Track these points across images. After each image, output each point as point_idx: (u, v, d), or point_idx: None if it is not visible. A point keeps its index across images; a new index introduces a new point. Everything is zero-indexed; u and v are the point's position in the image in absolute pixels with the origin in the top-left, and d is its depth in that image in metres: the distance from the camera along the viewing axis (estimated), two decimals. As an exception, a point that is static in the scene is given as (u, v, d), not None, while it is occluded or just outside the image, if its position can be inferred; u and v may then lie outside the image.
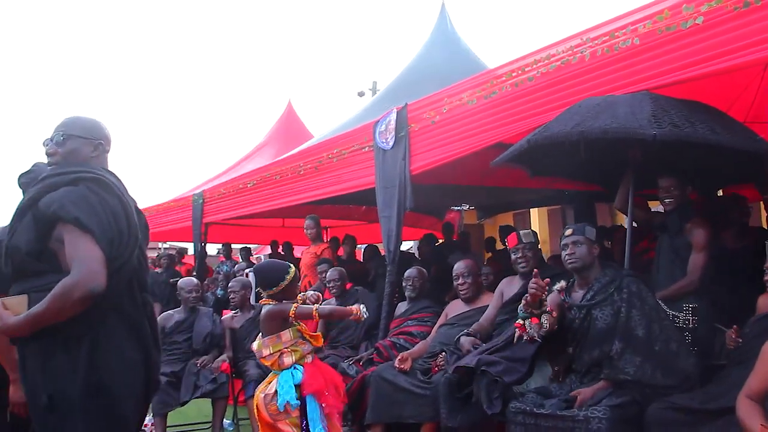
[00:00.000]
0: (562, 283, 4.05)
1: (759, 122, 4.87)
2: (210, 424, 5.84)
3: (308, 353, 3.99)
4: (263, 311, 3.99)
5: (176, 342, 5.94)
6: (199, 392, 5.61)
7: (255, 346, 4.03)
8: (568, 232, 3.98)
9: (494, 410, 3.77)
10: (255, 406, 4.03)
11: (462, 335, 4.67)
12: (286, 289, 4.02)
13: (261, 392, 3.98)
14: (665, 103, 3.81)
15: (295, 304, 3.91)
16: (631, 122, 3.66)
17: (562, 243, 3.99)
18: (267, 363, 4.00)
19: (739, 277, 4.73)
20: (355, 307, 4.03)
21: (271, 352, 3.92)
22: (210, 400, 5.75)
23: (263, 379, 4.15)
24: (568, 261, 3.92)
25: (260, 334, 4.06)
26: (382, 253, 6.99)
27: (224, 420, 5.87)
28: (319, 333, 4.22)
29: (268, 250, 12.00)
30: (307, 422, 3.81)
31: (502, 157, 4.38)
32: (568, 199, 9.16)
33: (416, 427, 4.83)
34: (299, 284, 4.29)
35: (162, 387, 5.51)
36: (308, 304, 4.03)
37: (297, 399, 3.81)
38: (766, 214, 5.62)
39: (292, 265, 4.14)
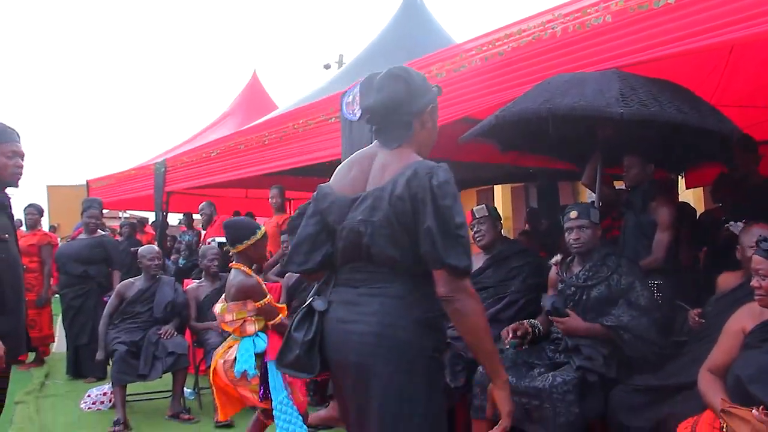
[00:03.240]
0: (558, 257, 4.12)
1: (723, 105, 4.94)
2: (170, 393, 5.80)
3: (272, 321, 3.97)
4: (235, 279, 3.93)
5: (137, 311, 5.86)
6: (161, 368, 5.57)
7: (218, 309, 3.99)
8: (573, 215, 4.00)
9: (457, 383, 3.80)
10: (212, 370, 4.01)
11: None
12: (255, 249, 4.01)
13: (220, 357, 3.95)
14: (634, 81, 3.82)
15: (267, 299, 3.91)
16: (599, 100, 3.67)
17: (566, 226, 4.02)
18: (228, 329, 3.96)
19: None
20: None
21: (234, 318, 3.89)
22: (171, 370, 5.70)
23: (225, 347, 4.11)
24: (574, 246, 3.97)
25: (224, 296, 4.01)
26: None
27: (185, 389, 5.84)
28: (283, 305, 4.19)
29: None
30: (266, 389, 3.78)
31: (471, 132, 4.38)
32: (533, 177, 9.21)
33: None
34: (266, 250, 4.25)
35: (122, 356, 5.47)
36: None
37: (256, 368, 3.79)
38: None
39: (263, 228, 4.11)
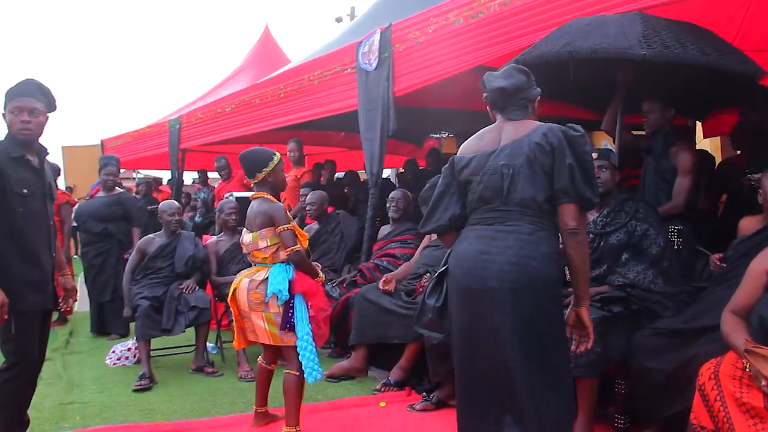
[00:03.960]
0: None
1: (744, 50, 4.85)
2: (193, 348, 5.87)
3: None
4: (260, 206, 3.91)
5: (159, 267, 5.89)
6: (184, 323, 5.61)
7: (249, 238, 3.93)
8: (593, 156, 3.97)
9: None
10: (231, 290, 4.00)
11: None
12: (274, 175, 3.98)
13: (246, 276, 3.94)
14: (656, 23, 3.77)
15: (288, 225, 3.86)
16: (621, 42, 3.63)
17: None
18: (261, 255, 3.91)
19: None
20: (321, 274, 4.08)
21: (269, 244, 3.85)
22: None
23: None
24: None
25: (247, 227, 4.00)
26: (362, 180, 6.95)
27: (207, 343, 5.90)
28: (305, 234, 4.18)
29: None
30: (290, 322, 3.79)
31: (491, 78, 4.33)
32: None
33: (400, 347, 4.90)
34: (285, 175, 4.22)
35: (145, 311, 5.52)
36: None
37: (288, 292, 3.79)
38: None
39: (278, 154, 4.06)
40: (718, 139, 8.26)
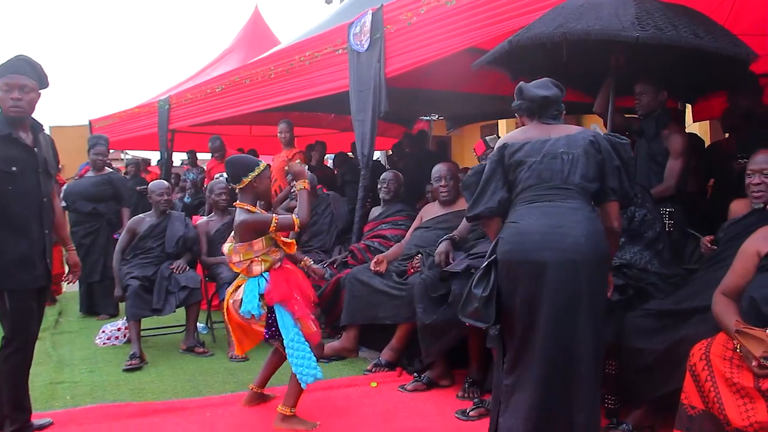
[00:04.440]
0: None
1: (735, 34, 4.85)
2: (184, 328, 5.88)
3: (278, 261, 3.93)
4: (239, 218, 3.87)
5: (149, 247, 5.88)
6: (175, 303, 5.60)
7: (225, 249, 3.97)
8: None
9: None
10: (225, 309, 4.03)
11: (446, 239, 4.67)
12: (256, 185, 3.94)
13: (230, 297, 3.97)
14: (649, 5, 3.77)
15: (275, 217, 3.85)
16: (615, 24, 3.63)
17: None
18: (236, 269, 3.97)
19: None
20: (299, 183, 4.05)
21: (242, 259, 3.86)
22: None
23: (236, 282, 4.14)
24: None
25: (232, 234, 4.01)
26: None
27: (198, 324, 5.90)
28: (292, 240, 4.17)
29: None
30: (275, 329, 3.80)
31: (483, 59, 4.32)
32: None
33: (391, 328, 4.92)
34: (270, 184, 4.19)
35: (136, 291, 5.51)
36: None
37: (261, 308, 3.79)
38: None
39: (264, 162, 4.04)
40: (707, 123, 8.30)
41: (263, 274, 3.87)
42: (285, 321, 3.78)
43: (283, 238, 3.99)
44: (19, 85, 3.50)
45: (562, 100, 3.28)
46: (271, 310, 3.81)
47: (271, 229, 3.81)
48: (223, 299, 4.18)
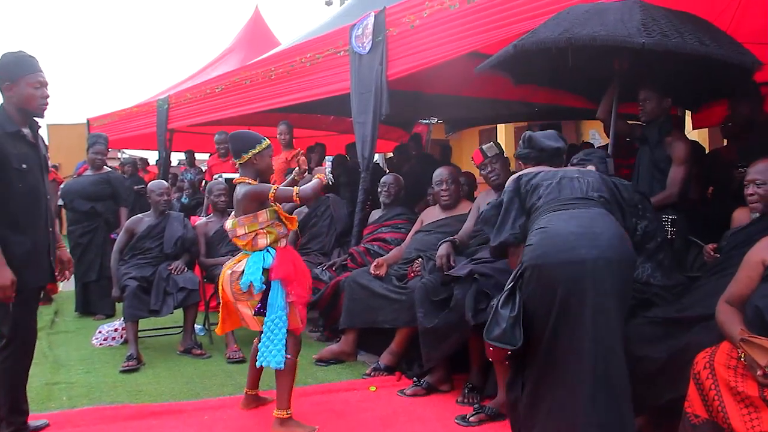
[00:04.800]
0: None
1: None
2: (181, 329, 5.84)
3: (283, 236, 3.91)
4: (240, 190, 3.85)
5: (147, 247, 5.85)
6: (173, 304, 5.57)
7: (229, 224, 3.91)
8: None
9: (478, 321, 3.81)
10: (219, 282, 3.99)
11: (446, 242, 4.66)
12: (260, 158, 3.91)
13: (228, 269, 3.91)
14: (655, 12, 3.76)
15: (274, 187, 3.82)
16: (620, 30, 3.61)
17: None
18: (240, 243, 3.89)
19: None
20: (321, 174, 4.10)
21: (246, 231, 3.82)
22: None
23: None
24: None
25: (233, 212, 3.98)
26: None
27: (195, 325, 5.87)
28: (294, 216, 4.15)
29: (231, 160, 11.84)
30: (262, 305, 3.77)
31: (488, 62, 4.31)
32: (537, 116, 9.12)
33: (389, 332, 4.89)
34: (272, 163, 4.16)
35: (134, 292, 5.48)
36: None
37: (263, 282, 3.77)
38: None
39: (267, 140, 4.00)
40: (706, 130, 8.31)
41: (269, 248, 3.84)
42: (276, 300, 3.76)
43: (285, 214, 3.97)
44: (47, 82, 3.58)
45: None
46: (266, 290, 3.78)
47: (270, 195, 3.79)
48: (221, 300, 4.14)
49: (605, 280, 2.92)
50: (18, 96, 3.51)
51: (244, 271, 3.78)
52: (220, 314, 4.10)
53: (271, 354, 3.72)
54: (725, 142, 5.61)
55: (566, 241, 2.98)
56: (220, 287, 3.99)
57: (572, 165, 3.92)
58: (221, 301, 4.02)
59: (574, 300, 2.92)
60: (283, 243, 3.92)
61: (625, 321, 3.50)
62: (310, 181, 4.05)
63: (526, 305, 3.02)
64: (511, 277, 3.14)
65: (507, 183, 3.58)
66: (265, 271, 3.78)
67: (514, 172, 4.67)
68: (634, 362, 3.42)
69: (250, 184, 3.85)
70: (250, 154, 3.88)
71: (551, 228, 3.06)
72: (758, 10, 4.87)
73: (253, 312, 3.81)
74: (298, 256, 4.12)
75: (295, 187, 3.93)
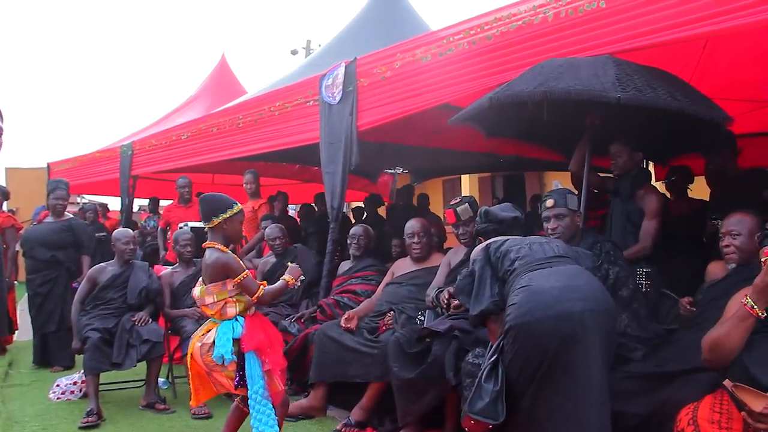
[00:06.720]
0: None
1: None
2: (144, 383, 5.66)
3: (252, 305, 3.83)
4: (210, 256, 3.75)
5: (110, 297, 5.68)
6: (136, 356, 5.39)
7: (197, 292, 3.83)
8: (549, 203, 3.94)
9: (458, 380, 3.74)
10: (188, 354, 3.87)
11: (438, 291, 4.58)
12: (231, 224, 3.84)
13: (197, 341, 3.80)
14: (628, 67, 3.81)
15: (244, 273, 3.75)
16: (595, 84, 3.65)
17: (543, 215, 3.98)
18: (209, 312, 3.80)
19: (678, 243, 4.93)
20: (289, 277, 4.00)
21: (215, 300, 3.72)
22: (144, 358, 5.54)
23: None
24: (553, 236, 3.88)
25: (201, 278, 3.89)
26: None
27: (159, 378, 5.70)
28: (263, 281, 4.07)
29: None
30: (242, 376, 3.68)
31: (461, 115, 4.33)
32: (501, 167, 9.19)
33: (361, 386, 4.79)
34: (241, 229, 4.07)
35: (95, 344, 5.30)
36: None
37: (234, 354, 3.68)
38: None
39: (239, 205, 3.93)
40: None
41: (237, 317, 3.75)
42: (253, 371, 3.66)
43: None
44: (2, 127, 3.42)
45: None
46: (241, 358, 3.68)
47: (237, 280, 3.71)
48: (186, 354, 4.01)
49: (593, 332, 2.91)
50: None
51: (214, 342, 3.69)
52: (191, 385, 3.95)
53: (267, 425, 3.62)
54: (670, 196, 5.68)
55: (552, 296, 2.95)
56: (188, 358, 3.87)
57: (547, 208, 3.97)
58: (191, 372, 3.90)
59: (563, 354, 2.89)
60: (252, 311, 3.84)
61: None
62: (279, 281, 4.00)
63: (509, 370, 2.99)
64: (493, 349, 3.10)
65: (475, 252, 3.58)
66: (236, 341, 3.70)
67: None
68: (614, 417, 3.39)
69: (220, 250, 3.77)
70: (220, 218, 3.80)
71: (534, 285, 3.03)
72: (717, 69, 4.99)
73: (234, 386, 3.73)
74: (268, 322, 4.04)
75: (261, 287, 3.81)
